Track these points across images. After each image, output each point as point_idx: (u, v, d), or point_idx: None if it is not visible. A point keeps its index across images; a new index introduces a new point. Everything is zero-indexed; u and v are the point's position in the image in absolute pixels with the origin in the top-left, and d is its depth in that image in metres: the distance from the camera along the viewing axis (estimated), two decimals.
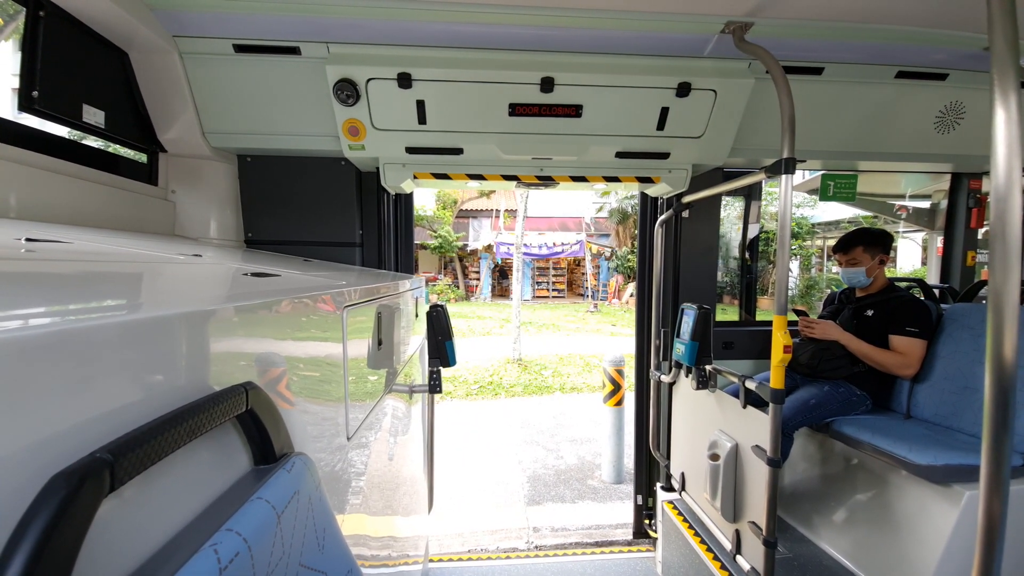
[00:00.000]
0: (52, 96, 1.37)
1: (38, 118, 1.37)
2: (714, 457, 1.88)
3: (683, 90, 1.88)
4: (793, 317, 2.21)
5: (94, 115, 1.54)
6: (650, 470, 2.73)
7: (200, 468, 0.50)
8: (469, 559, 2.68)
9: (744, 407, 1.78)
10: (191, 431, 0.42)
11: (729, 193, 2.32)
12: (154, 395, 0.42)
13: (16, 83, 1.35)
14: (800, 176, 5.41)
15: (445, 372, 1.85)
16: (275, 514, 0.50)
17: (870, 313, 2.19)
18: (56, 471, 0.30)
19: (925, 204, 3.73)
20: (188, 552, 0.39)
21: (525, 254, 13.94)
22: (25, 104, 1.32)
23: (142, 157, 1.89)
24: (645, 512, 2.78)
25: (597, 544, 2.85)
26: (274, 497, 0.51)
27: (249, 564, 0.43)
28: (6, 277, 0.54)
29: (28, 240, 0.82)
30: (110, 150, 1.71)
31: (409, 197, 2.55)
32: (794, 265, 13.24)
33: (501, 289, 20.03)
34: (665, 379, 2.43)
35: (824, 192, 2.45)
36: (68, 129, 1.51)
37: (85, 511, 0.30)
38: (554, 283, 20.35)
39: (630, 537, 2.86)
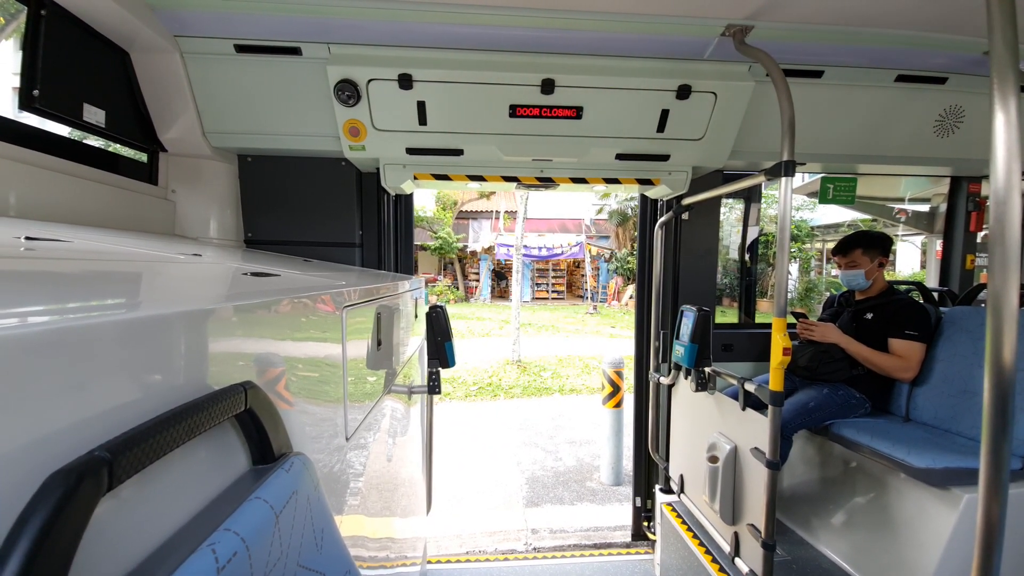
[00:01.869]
0: (53, 95, 1.37)
1: (39, 117, 1.37)
2: (713, 459, 1.88)
3: (683, 92, 1.88)
4: (792, 320, 2.21)
5: (95, 114, 1.54)
6: (649, 472, 2.73)
7: (198, 467, 0.49)
8: (467, 560, 2.68)
9: (743, 409, 1.78)
10: (190, 430, 0.42)
11: (729, 195, 2.33)
12: (153, 394, 0.42)
13: (17, 82, 1.35)
14: (800, 179, 5.42)
15: (444, 373, 1.85)
16: (273, 514, 0.49)
17: (869, 316, 2.19)
18: (54, 469, 0.30)
19: (924, 207, 3.75)
20: (186, 552, 0.39)
21: (525, 256, 13.94)
22: (26, 103, 1.32)
23: (142, 156, 1.89)
24: (644, 514, 2.77)
25: (595, 546, 2.84)
26: (272, 497, 0.51)
27: (247, 564, 0.43)
28: (5, 275, 0.53)
29: (28, 239, 0.82)
30: (111, 149, 1.71)
31: (409, 198, 2.55)
32: (793, 268, 13.25)
33: (500, 290, 20.02)
34: (664, 381, 2.43)
35: (824, 195, 2.46)
36: (69, 128, 1.51)
37: (83, 510, 0.30)
38: (553, 285, 20.33)
39: (628, 539, 2.85)
